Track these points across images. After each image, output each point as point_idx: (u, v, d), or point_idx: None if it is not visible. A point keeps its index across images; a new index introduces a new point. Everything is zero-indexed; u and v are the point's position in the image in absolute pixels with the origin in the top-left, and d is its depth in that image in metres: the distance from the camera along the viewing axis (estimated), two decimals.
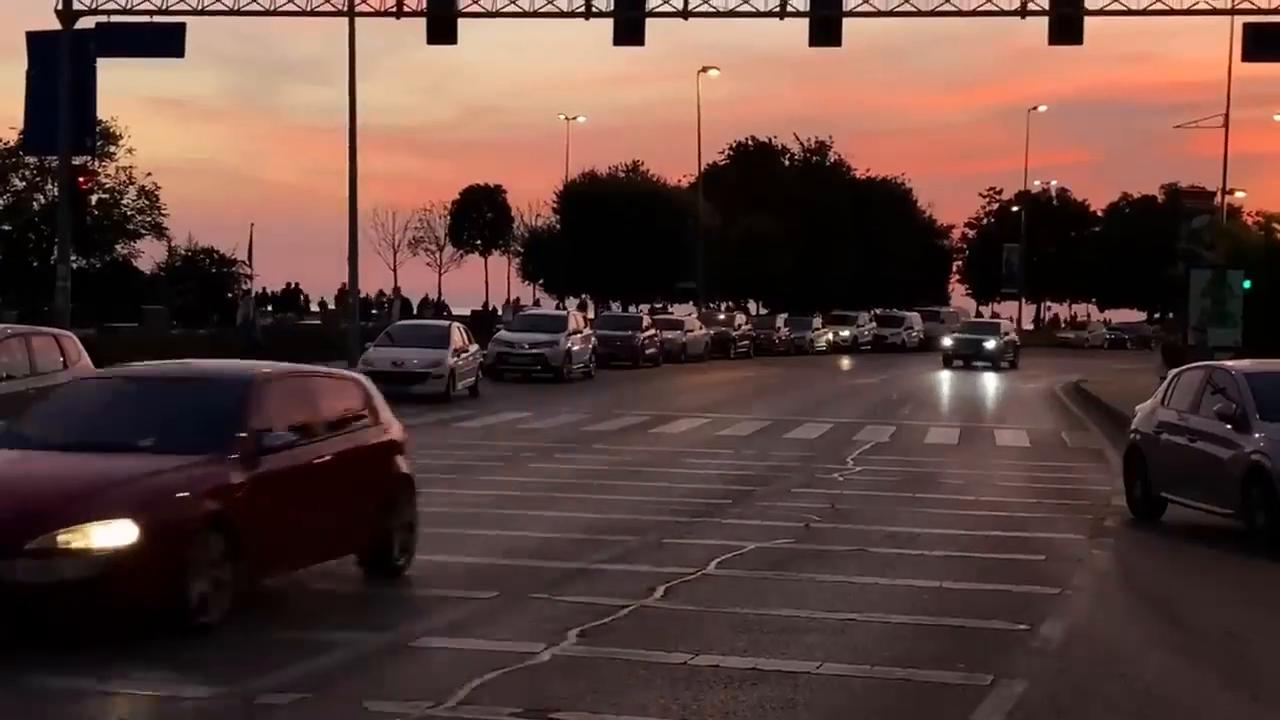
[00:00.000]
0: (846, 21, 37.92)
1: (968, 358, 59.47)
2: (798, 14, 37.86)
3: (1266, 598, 13.31)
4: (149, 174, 61.08)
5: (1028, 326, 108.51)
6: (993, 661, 10.00)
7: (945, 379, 51.43)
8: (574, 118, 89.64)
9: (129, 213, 60.91)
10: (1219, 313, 37.31)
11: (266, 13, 39.49)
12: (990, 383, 49.79)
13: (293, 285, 72.63)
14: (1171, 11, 37.49)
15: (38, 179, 58.26)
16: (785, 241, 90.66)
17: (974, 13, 38.22)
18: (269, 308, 66.26)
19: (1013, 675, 9.65)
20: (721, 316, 70.88)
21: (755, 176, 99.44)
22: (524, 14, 38.90)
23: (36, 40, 38.33)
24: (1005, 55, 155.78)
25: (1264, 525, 14.92)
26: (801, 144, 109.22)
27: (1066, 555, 14.67)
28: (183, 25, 38.49)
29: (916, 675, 9.59)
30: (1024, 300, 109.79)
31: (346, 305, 40.76)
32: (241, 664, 9.46)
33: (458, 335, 35.67)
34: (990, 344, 60.25)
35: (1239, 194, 76.21)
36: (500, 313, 70.43)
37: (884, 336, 79.12)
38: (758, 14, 38.36)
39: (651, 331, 54.04)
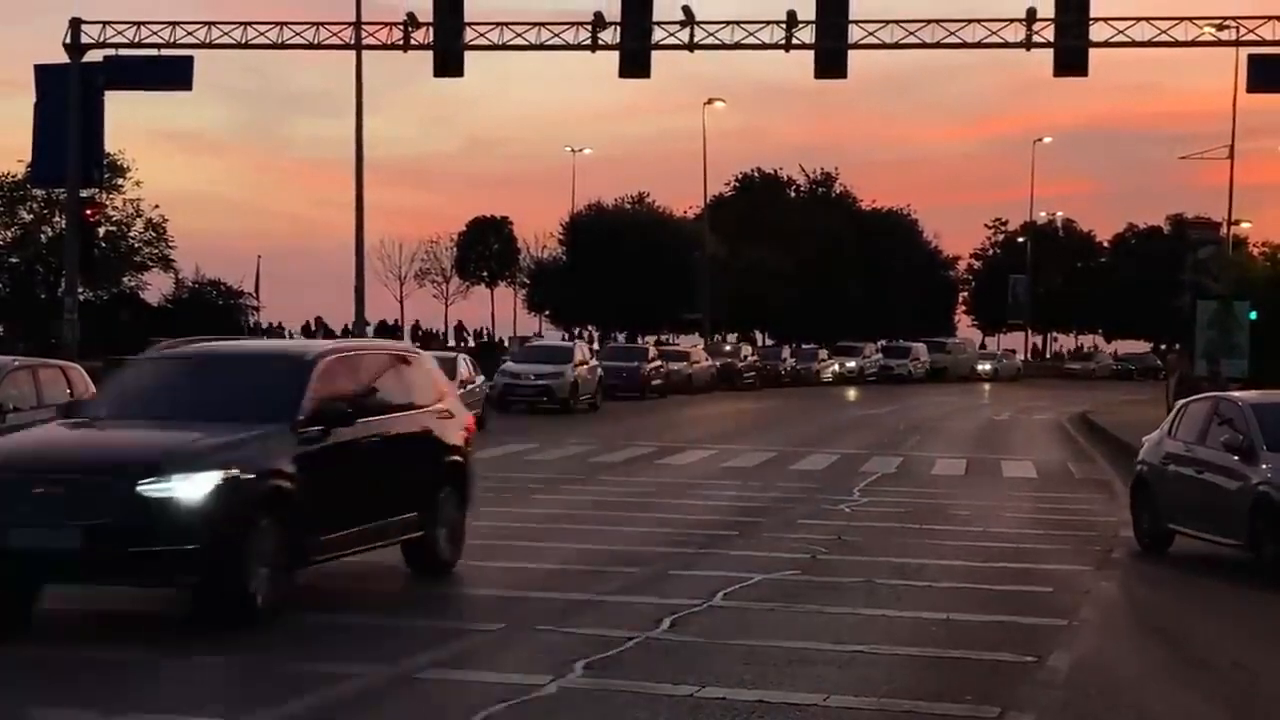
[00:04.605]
0: (852, 53, 38.05)
1: None
2: (803, 46, 37.99)
3: (1275, 630, 13.28)
4: (156, 206, 61.43)
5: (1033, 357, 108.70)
6: (1000, 694, 9.96)
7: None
8: (580, 149, 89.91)
9: (136, 245, 61.14)
10: (1226, 343, 37.26)
11: (274, 46, 39.69)
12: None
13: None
14: (1176, 43, 37.58)
15: (45, 211, 58.53)
16: (791, 272, 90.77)
17: (979, 45, 38.34)
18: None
19: (1020, 707, 9.61)
20: (728, 348, 70.91)
21: (761, 207, 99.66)
22: (530, 47, 39.08)
23: (45, 73, 38.50)
24: (1010, 87, 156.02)
25: (1272, 556, 14.87)
26: (807, 175, 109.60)
27: (1074, 587, 14.62)
28: (190, 58, 38.70)
29: (923, 708, 9.55)
30: (1030, 331, 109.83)
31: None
32: (247, 696, 9.44)
33: (463, 367, 35.66)
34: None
35: (1244, 224, 76.30)
36: (506, 345, 70.51)
37: (890, 367, 79.19)
38: (763, 46, 38.50)
39: (657, 362, 54.06)
